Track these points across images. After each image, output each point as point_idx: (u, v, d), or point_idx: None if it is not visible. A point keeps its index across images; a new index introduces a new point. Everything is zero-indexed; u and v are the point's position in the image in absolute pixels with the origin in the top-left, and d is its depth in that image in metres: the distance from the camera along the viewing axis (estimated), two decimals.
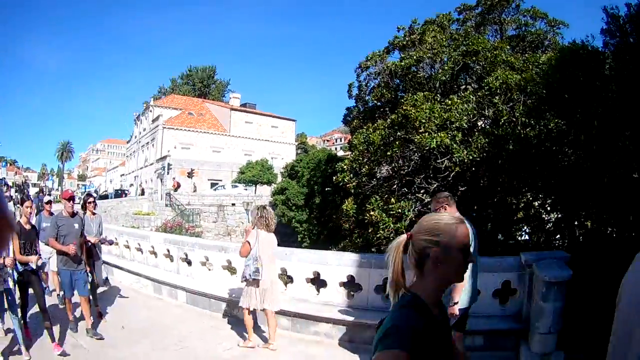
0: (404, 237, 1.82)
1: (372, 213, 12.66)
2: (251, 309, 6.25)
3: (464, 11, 19.72)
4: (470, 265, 4.79)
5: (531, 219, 11.47)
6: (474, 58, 13.78)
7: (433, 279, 1.74)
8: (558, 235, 10.43)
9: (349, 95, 22.54)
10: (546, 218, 10.92)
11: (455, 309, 4.40)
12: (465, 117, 12.13)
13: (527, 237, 12.47)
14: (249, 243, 6.15)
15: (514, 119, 11.08)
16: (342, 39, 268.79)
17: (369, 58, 19.63)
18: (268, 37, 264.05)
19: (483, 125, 12.69)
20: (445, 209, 4.68)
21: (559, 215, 10.19)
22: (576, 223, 9.35)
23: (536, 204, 10.78)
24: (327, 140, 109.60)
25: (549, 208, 10.60)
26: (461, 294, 4.45)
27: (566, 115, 8.95)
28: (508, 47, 14.95)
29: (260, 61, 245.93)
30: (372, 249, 14.40)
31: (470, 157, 11.31)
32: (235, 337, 6.84)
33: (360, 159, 14.95)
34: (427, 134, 11.71)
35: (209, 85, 79.94)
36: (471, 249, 4.78)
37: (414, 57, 15.73)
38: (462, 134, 11.97)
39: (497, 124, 11.53)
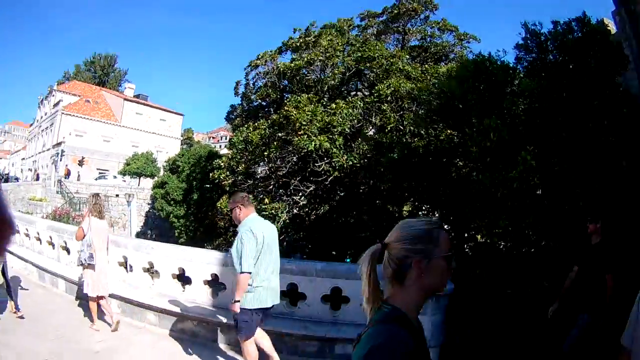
0: (377, 246, 1.43)
1: None
2: (90, 294, 6.06)
3: (367, 18, 18.52)
4: (271, 264, 4.33)
5: None
6: (368, 64, 12.65)
7: (416, 289, 1.39)
8: None
9: (236, 93, 20.32)
10: None
11: (236, 307, 4.10)
12: (349, 122, 11.05)
13: None
14: (82, 229, 6.07)
15: (402, 127, 10.03)
16: (240, 36, 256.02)
17: (259, 57, 17.28)
18: (166, 28, 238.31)
19: (369, 132, 11.69)
20: (240, 209, 4.34)
21: (447, 227, 9.03)
22: (466, 235, 8.18)
23: (420, 213, 9.69)
24: (213, 137, 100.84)
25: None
26: (243, 292, 4.09)
27: (460, 126, 7.62)
28: (408, 56, 14.10)
29: (156, 52, 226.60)
30: None
31: (350, 163, 10.32)
32: (106, 328, 6.31)
33: (238, 157, 13.63)
34: (306, 136, 10.65)
35: (109, 74, 73.63)
36: (275, 249, 4.43)
37: (305, 59, 14.09)
38: (345, 139, 11.00)
39: (383, 131, 10.39)
